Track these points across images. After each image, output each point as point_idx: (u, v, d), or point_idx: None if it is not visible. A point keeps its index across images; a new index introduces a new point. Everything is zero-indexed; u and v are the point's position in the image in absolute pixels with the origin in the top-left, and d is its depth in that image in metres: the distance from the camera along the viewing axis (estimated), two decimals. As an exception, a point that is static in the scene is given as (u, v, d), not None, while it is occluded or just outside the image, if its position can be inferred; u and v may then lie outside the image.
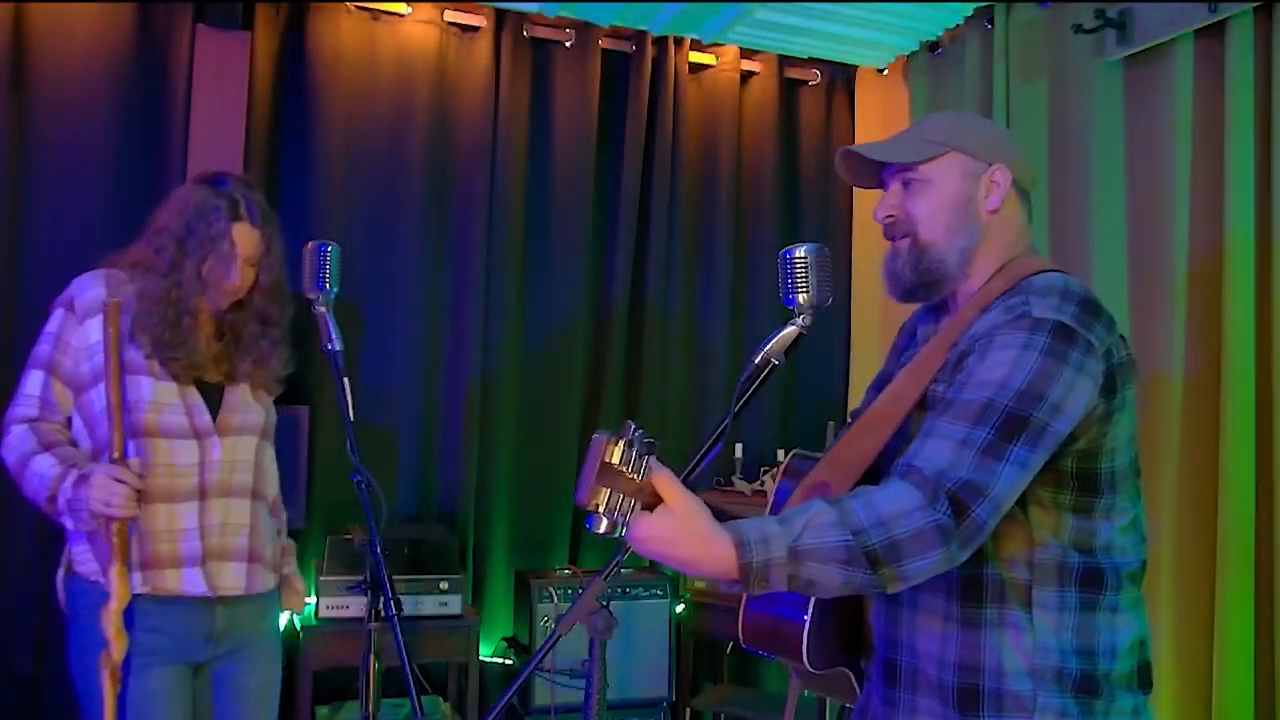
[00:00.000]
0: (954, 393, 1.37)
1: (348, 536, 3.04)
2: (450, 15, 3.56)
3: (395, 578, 2.16)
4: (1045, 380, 1.32)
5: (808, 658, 1.49)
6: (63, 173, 3.10)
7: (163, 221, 2.09)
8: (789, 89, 4.03)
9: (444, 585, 3.15)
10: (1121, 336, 1.42)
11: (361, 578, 2.05)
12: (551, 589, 3.34)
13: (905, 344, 1.67)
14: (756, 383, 1.51)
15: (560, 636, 1.49)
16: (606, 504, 1.20)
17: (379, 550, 1.94)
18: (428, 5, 3.54)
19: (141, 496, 1.95)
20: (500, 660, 3.53)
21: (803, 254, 1.51)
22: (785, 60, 3.99)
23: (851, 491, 1.33)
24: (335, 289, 2.05)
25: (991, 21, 3.36)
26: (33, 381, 2.04)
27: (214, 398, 2.11)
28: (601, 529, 1.22)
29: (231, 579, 2.09)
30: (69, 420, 2.06)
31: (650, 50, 3.76)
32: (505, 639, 3.56)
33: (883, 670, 1.51)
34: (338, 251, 2.06)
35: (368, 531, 1.95)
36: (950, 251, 1.49)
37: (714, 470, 3.74)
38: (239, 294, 2.11)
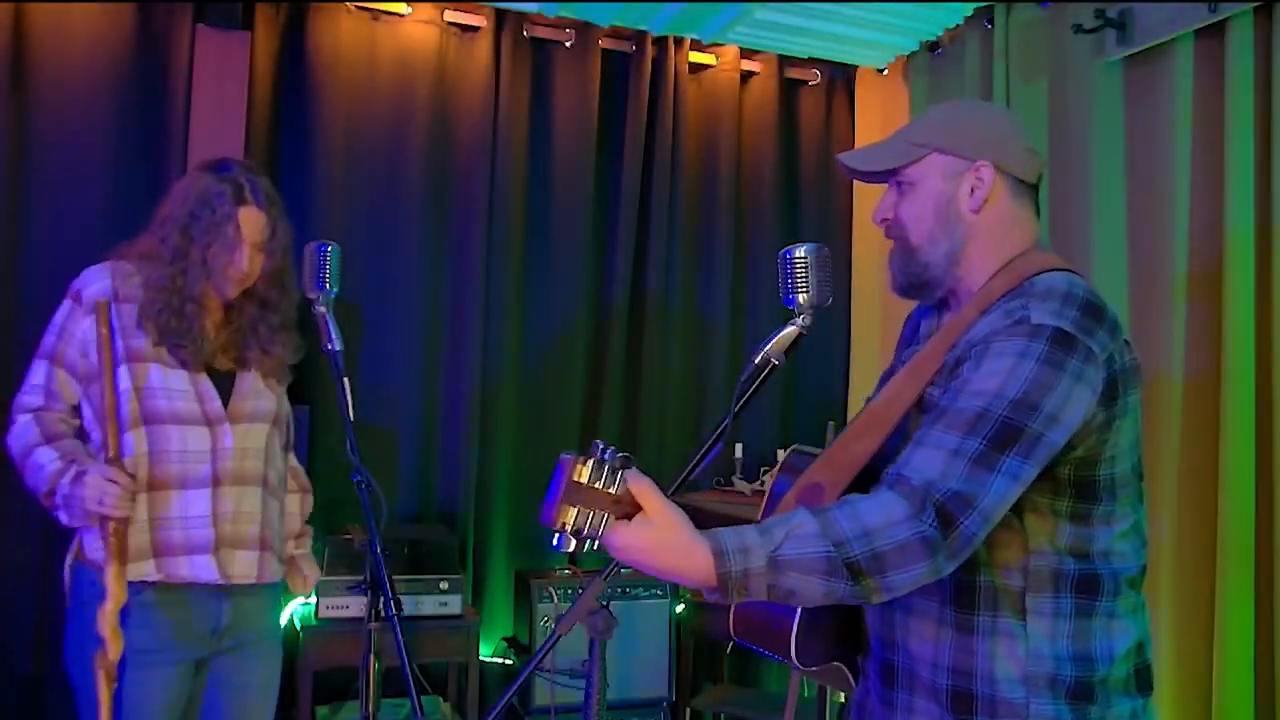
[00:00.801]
0: (948, 400, 1.35)
1: (348, 536, 3.04)
2: (450, 15, 3.56)
3: (395, 578, 2.15)
4: (1041, 390, 1.30)
5: (796, 654, 1.48)
6: (63, 173, 3.10)
7: (167, 211, 2.10)
8: (789, 89, 4.03)
9: (444, 585, 3.15)
10: (1126, 341, 1.40)
11: (361, 578, 2.05)
12: (551, 589, 3.34)
13: (910, 336, 1.66)
14: (756, 383, 1.50)
15: (560, 636, 1.49)
16: (574, 522, 1.21)
17: (379, 550, 1.94)
18: (428, 5, 3.54)
19: (153, 483, 1.96)
20: (500, 660, 3.53)
21: (803, 254, 1.51)
22: (785, 60, 3.99)
23: (839, 500, 1.32)
24: (335, 289, 2.05)
25: (991, 21, 3.36)
26: (37, 371, 2.06)
27: (225, 385, 2.11)
28: (570, 548, 1.23)
29: (244, 566, 2.10)
30: (76, 409, 2.07)
31: (650, 50, 3.76)
32: (505, 639, 3.56)
33: (880, 669, 1.51)
34: (338, 251, 2.06)
35: (368, 531, 1.95)
36: (934, 255, 1.48)
37: (714, 470, 3.74)
38: (247, 281, 2.10)
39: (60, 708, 2.94)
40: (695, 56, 3.89)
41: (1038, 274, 1.42)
